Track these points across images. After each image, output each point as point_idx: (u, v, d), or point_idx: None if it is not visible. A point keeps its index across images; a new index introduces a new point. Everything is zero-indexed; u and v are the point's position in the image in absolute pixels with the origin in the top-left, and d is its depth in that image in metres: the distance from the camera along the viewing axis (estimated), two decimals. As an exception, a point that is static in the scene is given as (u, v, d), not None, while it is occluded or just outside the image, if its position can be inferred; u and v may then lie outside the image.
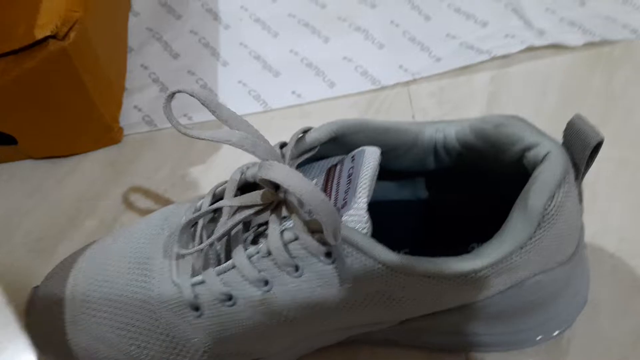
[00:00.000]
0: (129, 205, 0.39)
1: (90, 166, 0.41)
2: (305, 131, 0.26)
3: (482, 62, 0.43)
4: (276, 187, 0.22)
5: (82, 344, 0.27)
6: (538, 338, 0.28)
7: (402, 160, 0.29)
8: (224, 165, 0.40)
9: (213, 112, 0.23)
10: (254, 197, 0.24)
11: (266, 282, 0.24)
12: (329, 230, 0.20)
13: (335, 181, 0.25)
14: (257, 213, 0.24)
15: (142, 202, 0.39)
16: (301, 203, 0.22)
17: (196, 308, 0.25)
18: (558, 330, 0.28)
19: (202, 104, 0.23)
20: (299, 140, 0.26)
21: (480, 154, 0.26)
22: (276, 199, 0.23)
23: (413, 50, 0.45)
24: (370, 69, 0.44)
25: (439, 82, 0.43)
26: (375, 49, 0.45)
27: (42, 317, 0.29)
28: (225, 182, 0.28)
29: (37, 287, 0.31)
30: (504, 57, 0.43)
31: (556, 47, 0.43)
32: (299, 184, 0.19)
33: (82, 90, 0.36)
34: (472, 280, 0.23)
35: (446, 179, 0.29)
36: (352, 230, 0.22)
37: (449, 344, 0.29)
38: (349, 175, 0.24)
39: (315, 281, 0.23)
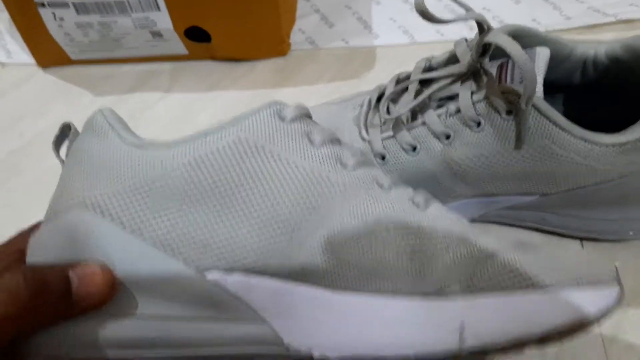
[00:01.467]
0: (296, 102, 0.46)
1: (262, 71, 0.49)
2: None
3: (607, 24, 0.49)
4: (481, 54, 0.29)
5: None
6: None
7: (552, 73, 0.35)
8: (376, 81, 0.47)
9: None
10: (448, 70, 0.31)
11: (448, 136, 0.31)
12: (526, 95, 0.27)
13: (508, 75, 0.31)
14: (448, 85, 0.31)
15: (307, 101, 0.46)
16: (503, 71, 0.29)
17: (383, 157, 0.32)
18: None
19: None
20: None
21: (628, 67, 0.32)
22: (471, 69, 0.30)
23: (546, 8, 0.51)
24: (506, 19, 0.50)
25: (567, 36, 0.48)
26: (512, 3, 0.51)
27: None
28: (402, 72, 0.35)
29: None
30: (628, 21, 0.49)
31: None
32: (518, 50, 0.26)
33: (274, 2, 0.44)
34: (625, 150, 0.28)
35: (588, 95, 0.35)
36: (538, 97, 0.28)
37: (569, 227, 0.35)
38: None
39: (493, 135, 0.29)
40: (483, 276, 0.23)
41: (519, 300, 0.23)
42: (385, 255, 0.23)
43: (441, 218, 0.25)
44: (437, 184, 0.32)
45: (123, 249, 0.24)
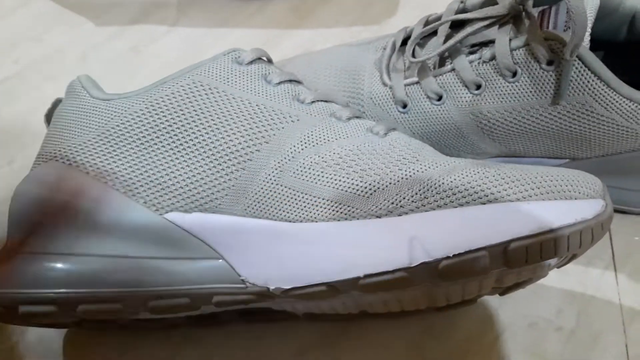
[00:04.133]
0: (311, 45, 0.43)
1: (275, 9, 0.46)
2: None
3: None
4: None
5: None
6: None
7: (597, 25, 0.31)
8: (397, 27, 0.44)
9: None
10: (485, 12, 0.28)
11: (479, 86, 0.28)
12: (573, 43, 0.24)
13: (551, 22, 0.28)
14: (484, 28, 0.28)
15: (322, 46, 0.43)
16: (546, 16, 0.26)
17: (404, 105, 0.30)
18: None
19: None
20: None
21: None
22: (512, 12, 0.27)
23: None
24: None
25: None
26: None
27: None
28: (431, 14, 0.32)
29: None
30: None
31: None
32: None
33: None
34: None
35: (633, 53, 0.32)
36: (584, 47, 0.25)
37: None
38: (566, 21, 0.28)
39: (529, 87, 0.27)
40: (438, 192, 0.22)
41: (474, 212, 0.22)
42: (337, 179, 0.24)
43: (399, 141, 0.25)
44: (461, 138, 0.29)
45: (87, 192, 0.25)
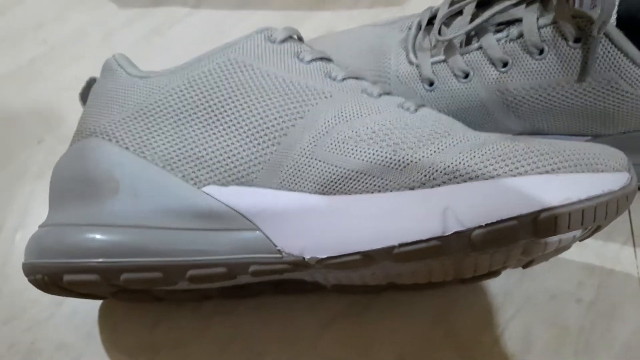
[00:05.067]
0: (331, 27, 0.44)
1: (296, -9, 0.46)
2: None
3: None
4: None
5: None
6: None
7: (623, 3, 0.32)
8: (416, 8, 0.44)
9: None
10: (513, -8, 0.28)
11: (505, 64, 0.28)
12: (600, 20, 0.24)
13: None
14: (511, 7, 0.28)
15: (343, 27, 0.44)
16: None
17: (431, 83, 0.30)
18: None
19: None
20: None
21: None
22: (540, -10, 0.27)
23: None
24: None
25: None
26: None
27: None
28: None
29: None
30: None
31: None
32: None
33: None
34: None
35: None
36: (611, 25, 0.26)
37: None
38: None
39: (556, 64, 0.27)
40: (470, 165, 0.23)
41: (504, 184, 0.23)
42: (371, 152, 0.24)
43: (430, 117, 0.26)
44: (487, 115, 0.30)
45: (128, 166, 0.26)
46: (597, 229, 0.26)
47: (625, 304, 0.30)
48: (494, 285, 0.31)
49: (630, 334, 0.29)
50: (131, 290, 0.28)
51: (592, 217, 0.23)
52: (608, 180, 0.23)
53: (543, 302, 0.31)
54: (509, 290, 0.31)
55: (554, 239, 0.24)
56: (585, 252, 0.32)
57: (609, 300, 0.31)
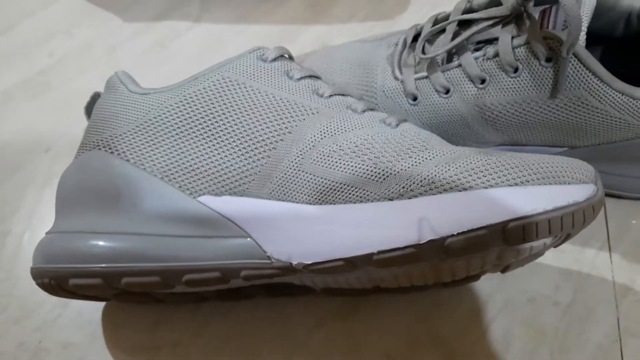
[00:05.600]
0: (326, 40, 0.46)
1: (292, 5, 0.48)
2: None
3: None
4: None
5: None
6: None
7: (594, 22, 0.34)
8: (410, 23, 0.46)
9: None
10: (489, 12, 0.30)
11: (483, 81, 0.30)
12: (569, 42, 0.26)
13: (551, 21, 0.31)
14: (488, 27, 0.30)
15: (337, 40, 0.46)
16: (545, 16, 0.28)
17: (414, 98, 0.32)
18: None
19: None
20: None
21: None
22: (514, 12, 0.29)
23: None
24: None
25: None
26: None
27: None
28: (440, 13, 0.34)
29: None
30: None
31: None
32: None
33: None
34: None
35: (628, 49, 0.34)
36: (580, 45, 0.27)
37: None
38: (565, 20, 0.30)
39: (530, 82, 0.29)
40: (445, 178, 0.25)
41: (476, 195, 0.24)
42: (353, 165, 0.26)
43: (409, 132, 0.28)
44: (467, 129, 0.32)
45: (129, 177, 0.28)
46: (567, 236, 0.27)
47: (600, 307, 0.32)
48: (475, 289, 0.33)
49: (603, 337, 0.31)
50: (132, 293, 0.30)
51: (559, 227, 0.24)
52: (574, 192, 0.24)
53: (522, 305, 0.32)
54: (490, 293, 0.33)
55: (525, 246, 0.26)
56: (563, 257, 0.34)
57: (584, 304, 0.32)
